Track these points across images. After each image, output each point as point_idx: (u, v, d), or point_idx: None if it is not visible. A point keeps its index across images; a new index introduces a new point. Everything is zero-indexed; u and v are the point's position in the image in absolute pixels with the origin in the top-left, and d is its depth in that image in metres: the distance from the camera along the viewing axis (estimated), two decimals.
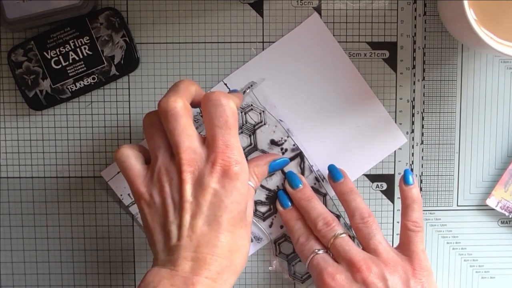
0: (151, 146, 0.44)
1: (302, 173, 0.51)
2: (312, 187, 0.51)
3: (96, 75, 0.50)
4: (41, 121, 0.51)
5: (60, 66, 0.49)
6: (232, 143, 0.42)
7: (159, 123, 0.43)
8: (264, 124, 0.51)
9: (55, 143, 0.51)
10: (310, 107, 0.51)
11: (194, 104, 0.45)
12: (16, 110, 0.51)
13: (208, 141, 0.42)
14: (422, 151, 0.52)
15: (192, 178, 0.41)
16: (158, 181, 0.42)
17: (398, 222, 0.52)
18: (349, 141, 0.51)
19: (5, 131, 0.51)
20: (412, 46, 0.51)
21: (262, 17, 0.50)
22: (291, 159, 0.51)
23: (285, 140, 0.51)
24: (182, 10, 0.50)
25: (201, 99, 0.45)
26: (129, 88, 0.51)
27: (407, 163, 0.52)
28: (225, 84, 0.51)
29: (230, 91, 0.49)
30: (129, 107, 0.51)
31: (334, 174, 0.49)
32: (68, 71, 0.49)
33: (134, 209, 0.52)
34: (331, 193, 0.51)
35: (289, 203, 0.50)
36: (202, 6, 0.50)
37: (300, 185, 0.50)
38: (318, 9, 0.50)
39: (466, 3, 0.42)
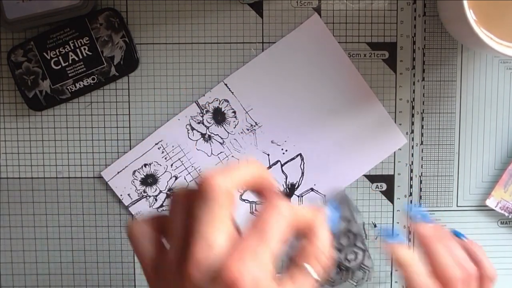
0: (170, 226, 0.33)
1: (302, 173, 0.51)
2: (311, 188, 0.51)
3: (96, 75, 0.50)
4: (41, 122, 0.51)
5: (59, 66, 0.49)
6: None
7: (185, 201, 0.32)
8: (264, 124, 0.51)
9: (54, 144, 0.51)
10: (310, 107, 0.51)
11: (253, 189, 0.33)
12: (15, 110, 0.51)
13: None
14: (422, 151, 0.52)
15: None
16: (163, 278, 0.32)
17: (398, 223, 0.52)
18: (349, 142, 0.51)
19: (5, 131, 0.51)
20: (412, 47, 0.51)
21: (262, 18, 0.50)
22: (291, 159, 0.51)
23: (285, 141, 0.51)
24: (182, 10, 0.50)
25: (262, 184, 0.33)
26: (128, 89, 0.51)
27: (406, 164, 0.52)
28: (225, 85, 0.51)
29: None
30: (129, 108, 0.51)
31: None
32: (68, 72, 0.49)
33: (134, 209, 0.52)
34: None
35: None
36: (202, 7, 0.50)
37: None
38: (318, 10, 0.50)
39: (466, 4, 0.42)
